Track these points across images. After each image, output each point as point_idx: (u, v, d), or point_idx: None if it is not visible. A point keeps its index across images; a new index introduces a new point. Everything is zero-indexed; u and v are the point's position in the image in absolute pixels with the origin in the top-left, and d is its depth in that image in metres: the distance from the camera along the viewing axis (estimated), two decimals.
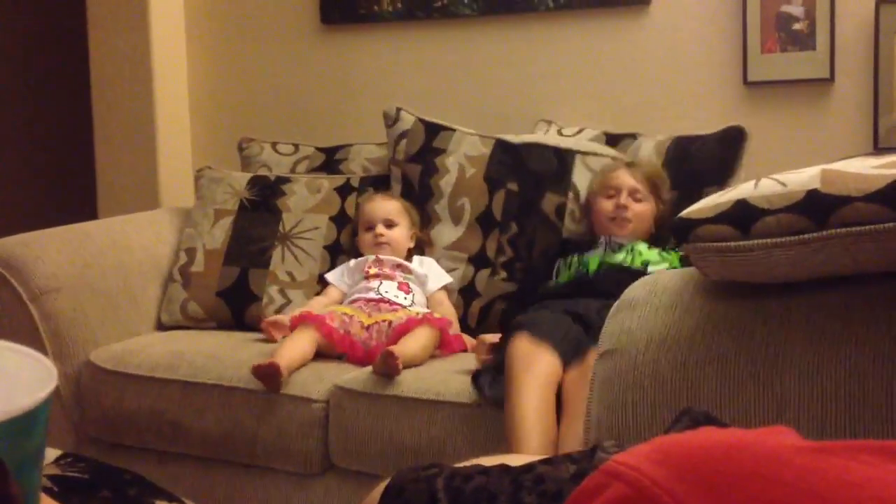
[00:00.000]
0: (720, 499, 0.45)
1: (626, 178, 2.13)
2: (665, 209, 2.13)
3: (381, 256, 2.22)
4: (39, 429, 0.49)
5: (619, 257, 2.04)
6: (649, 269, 1.94)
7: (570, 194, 2.24)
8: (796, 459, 0.47)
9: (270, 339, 2.13)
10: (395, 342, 1.96)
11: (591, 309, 1.82)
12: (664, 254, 2.04)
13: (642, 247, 2.05)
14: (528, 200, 2.25)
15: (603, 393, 1.18)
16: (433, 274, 2.23)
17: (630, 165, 2.18)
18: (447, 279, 2.23)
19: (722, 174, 2.13)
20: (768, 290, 1.13)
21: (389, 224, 2.26)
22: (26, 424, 0.47)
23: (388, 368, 1.84)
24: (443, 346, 2.02)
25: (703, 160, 2.18)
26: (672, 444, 0.51)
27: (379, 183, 2.43)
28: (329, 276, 2.28)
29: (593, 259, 2.05)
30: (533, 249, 2.22)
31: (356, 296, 2.16)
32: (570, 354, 1.72)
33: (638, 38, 2.49)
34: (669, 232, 2.10)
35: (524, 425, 1.61)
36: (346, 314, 2.07)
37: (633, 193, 2.11)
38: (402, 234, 2.26)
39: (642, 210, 2.11)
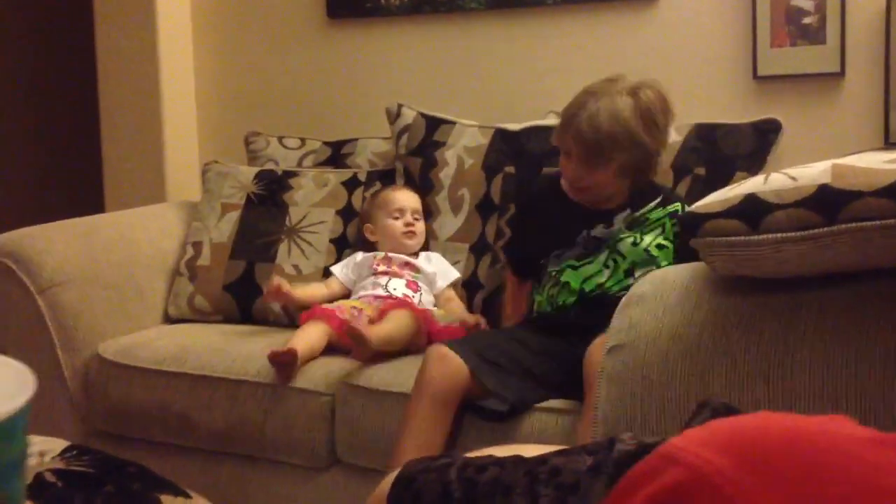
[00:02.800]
0: (788, 492, 0.43)
1: (561, 141, 1.83)
2: (637, 157, 1.77)
3: (389, 254, 2.21)
4: (19, 436, 0.48)
5: (599, 264, 1.84)
6: (636, 274, 1.79)
7: None
8: (861, 452, 0.46)
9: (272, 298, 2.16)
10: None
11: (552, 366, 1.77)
12: (654, 248, 1.83)
13: (626, 245, 1.84)
14: (526, 180, 2.24)
15: (611, 387, 1.18)
16: (441, 271, 2.22)
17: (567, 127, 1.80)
18: (455, 274, 2.22)
19: (754, 162, 2.07)
20: (778, 285, 1.12)
21: (417, 217, 2.26)
22: (5, 432, 0.47)
23: (355, 335, 1.85)
24: (431, 330, 2.00)
25: (735, 146, 2.11)
26: (733, 431, 0.49)
27: (386, 177, 2.42)
28: (334, 269, 2.27)
29: (570, 278, 1.85)
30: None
31: (363, 292, 2.15)
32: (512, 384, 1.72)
33: (647, 33, 2.48)
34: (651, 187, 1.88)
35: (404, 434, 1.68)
36: (354, 307, 2.07)
37: (568, 152, 1.80)
38: (424, 229, 2.27)
39: (599, 181, 1.80)
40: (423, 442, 1.66)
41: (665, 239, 1.86)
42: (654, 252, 1.84)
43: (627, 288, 1.59)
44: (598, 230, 1.86)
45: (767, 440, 0.47)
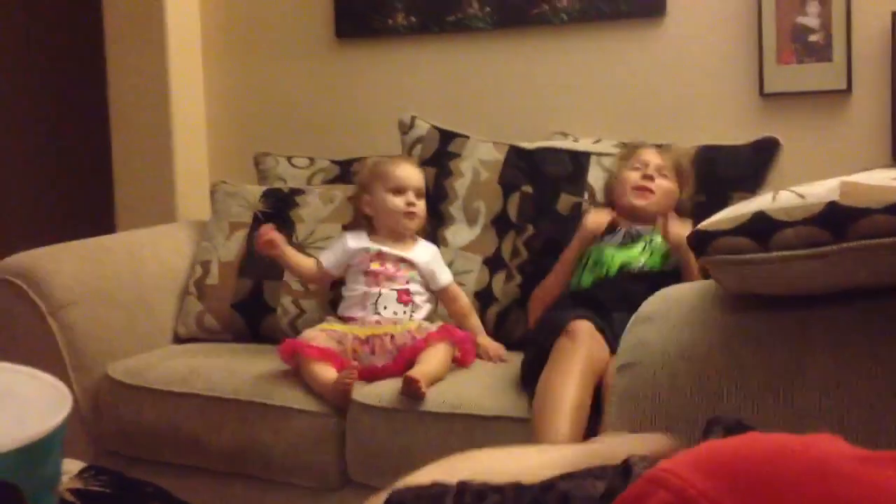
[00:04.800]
0: None
1: (654, 156, 2.13)
2: (685, 199, 2.13)
3: (384, 249, 2.10)
4: (54, 454, 0.49)
5: (637, 250, 2.01)
6: (670, 259, 1.95)
7: (586, 194, 2.24)
8: (845, 469, 0.46)
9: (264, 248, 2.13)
10: (403, 361, 1.92)
11: (618, 322, 1.80)
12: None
13: (660, 239, 2.02)
14: (544, 202, 2.25)
15: (621, 406, 1.18)
16: (439, 266, 2.13)
17: (660, 147, 2.18)
18: (448, 276, 2.15)
19: (753, 183, 2.10)
20: (787, 303, 1.12)
21: (419, 195, 2.14)
22: (41, 450, 0.47)
23: (411, 393, 1.81)
24: (463, 358, 1.97)
25: (733, 168, 2.16)
26: (719, 452, 0.49)
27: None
28: (322, 258, 2.17)
29: (610, 255, 2.01)
30: (549, 250, 2.20)
31: (350, 313, 2.08)
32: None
33: (653, 50, 2.49)
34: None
35: (560, 410, 1.60)
36: (336, 331, 2.01)
37: (659, 170, 2.11)
38: (425, 210, 2.15)
39: (667, 186, 2.10)
40: (581, 404, 1.62)
41: None
42: None
43: (663, 269, 1.92)
44: (639, 227, 2.07)
45: (751, 460, 0.47)
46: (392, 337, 1.98)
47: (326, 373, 1.91)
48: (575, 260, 2.07)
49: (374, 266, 2.09)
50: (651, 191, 2.08)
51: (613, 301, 1.86)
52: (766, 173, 2.13)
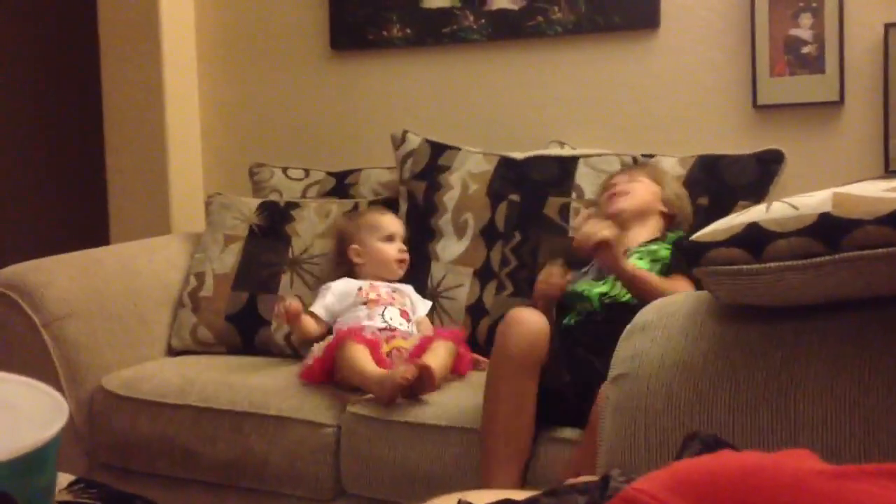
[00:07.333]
0: None
1: (621, 175, 2.15)
2: (677, 201, 2.11)
3: (373, 283, 2.18)
4: (50, 465, 0.49)
5: (612, 280, 1.94)
6: None
7: (574, 194, 2.24)
8: (816, 485, 0.46)
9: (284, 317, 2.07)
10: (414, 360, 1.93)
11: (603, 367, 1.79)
12: (659, 261, 1.96)
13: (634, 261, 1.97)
14: (531, 208, 2.26)
15: (615, 417, 1.18)
16: (419, 299, 2.23)
17: (627, 167, 2.20)
18: (428, 304, 2.24)
19: (758, 194, 2.10)
20: (781, 314, 1.12)
21: (405, 242, 2.26)
22: (36, 461, 0.47)
23: (425, 379, 1.83)
24: (457, 360, 1.99)
25: (736, 179, 2.15)
26: (691, 471, 0.50)
27: (388, 205, 2.43)
28: (315, 310, 2.15)
29: (587, 290, 1.95)
30: (537, 256, 2.19)
31: (364, 323, 2.07)
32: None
33: (647, 62, 2.50)
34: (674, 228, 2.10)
35: (492, 433, 1.68)
36: (397, 349, 2.02)
37: (631, 177, 2.11)
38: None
39: (644, 184, 2.09)
40: (515, 406, 1.67)
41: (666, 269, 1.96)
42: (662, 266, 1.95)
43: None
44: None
45: (722, 478, 0.47)
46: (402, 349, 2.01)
47: (370, 361, 1.92)
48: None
49: (372, 295, 2.15)
50: (617, 194, 2.07)
51: (601, 339, 1.83)
52: (769, 184, 2.14)
